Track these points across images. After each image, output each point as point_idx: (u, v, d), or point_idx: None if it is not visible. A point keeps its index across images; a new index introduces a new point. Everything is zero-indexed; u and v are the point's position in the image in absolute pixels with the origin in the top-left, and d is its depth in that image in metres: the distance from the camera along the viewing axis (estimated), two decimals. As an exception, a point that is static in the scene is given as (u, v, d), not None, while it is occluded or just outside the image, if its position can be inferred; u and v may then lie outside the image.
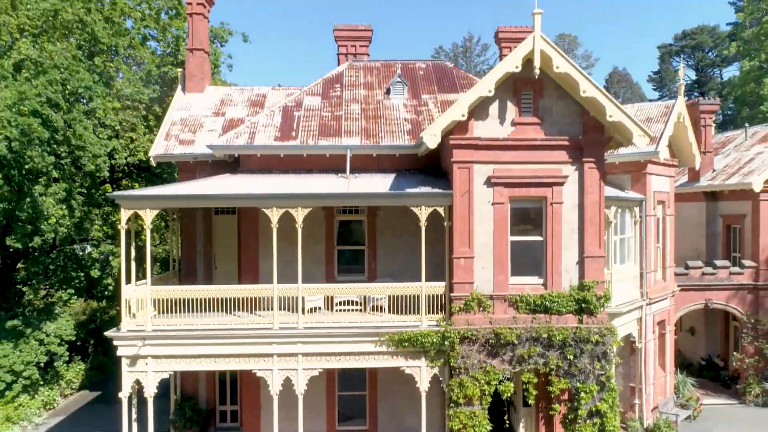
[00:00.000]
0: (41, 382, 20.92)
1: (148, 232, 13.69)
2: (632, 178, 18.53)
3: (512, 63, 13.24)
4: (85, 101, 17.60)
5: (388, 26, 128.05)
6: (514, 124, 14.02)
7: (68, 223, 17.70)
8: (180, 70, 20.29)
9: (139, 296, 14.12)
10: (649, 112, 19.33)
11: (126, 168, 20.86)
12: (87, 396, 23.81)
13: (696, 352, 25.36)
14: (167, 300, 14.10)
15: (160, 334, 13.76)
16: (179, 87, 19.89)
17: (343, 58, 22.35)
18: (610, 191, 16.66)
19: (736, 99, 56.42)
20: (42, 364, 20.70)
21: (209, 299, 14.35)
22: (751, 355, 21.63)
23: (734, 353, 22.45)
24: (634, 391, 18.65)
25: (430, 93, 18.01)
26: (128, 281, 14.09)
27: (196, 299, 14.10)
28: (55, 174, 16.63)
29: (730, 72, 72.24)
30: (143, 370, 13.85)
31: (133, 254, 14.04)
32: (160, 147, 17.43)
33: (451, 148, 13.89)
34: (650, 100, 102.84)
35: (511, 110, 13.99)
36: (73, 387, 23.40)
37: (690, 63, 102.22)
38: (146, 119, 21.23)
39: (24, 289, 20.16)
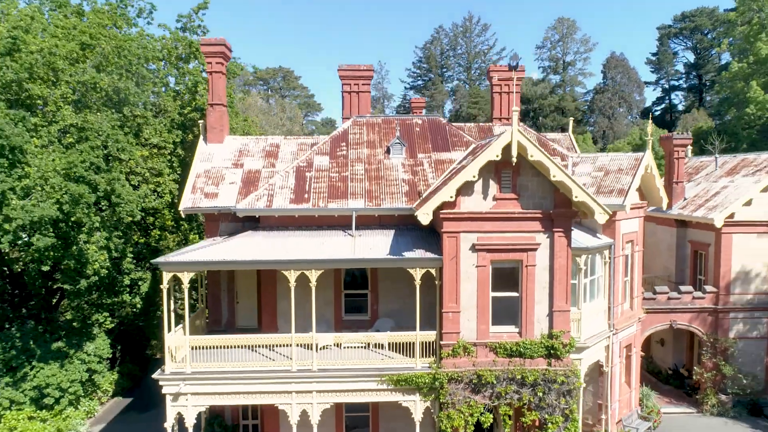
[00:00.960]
0: (82, 394, 23.79)
1: (186, 291, 16.30)
2: (604, 223, 20.99)
3: (493, 153, 15.64)
4: (121, 159, 19.98)
5: (387, 9, 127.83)
6: (495, 198, 16.48)
7: (108, 265, 20.28)
8: (201, 121, 22.58)
9: (178, 344, 16.80)
10: (621, 163, 21.68)
11: (153, 210, 23.29)
12: (120, 402, 26.77)
13: (665, 361, 28.24)
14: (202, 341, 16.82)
15: (198, 376, 16.49)
16: (201, 137, 22.22)
17: (347, 95, 24.73)
18: (582, 239, 19.20)
19: (724, 100, 58.26)
20: (84, 380, 23.55)
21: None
22: (710, 369, 24.44)
23: (695, 367, 25.27)
24: (601, 407, 21.49)
25: (425, 152, 20.37)
26: (169, 330, 16.75)
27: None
28: (97, 224, 19.15)
29: (727, 57, 73.31)
30: (184, 405, 16.64)
31: (171, 306, 16.67)
32: (188, 200, 19.88)
33: (441, 220, 16.38)
34: (647, 83, 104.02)
35: (493, 187, 16.43)
36: (108, 394, 26.37)
37: (689, 45, 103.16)
38: (170, 162, 23.58)
39: (66, 315, 22.83)
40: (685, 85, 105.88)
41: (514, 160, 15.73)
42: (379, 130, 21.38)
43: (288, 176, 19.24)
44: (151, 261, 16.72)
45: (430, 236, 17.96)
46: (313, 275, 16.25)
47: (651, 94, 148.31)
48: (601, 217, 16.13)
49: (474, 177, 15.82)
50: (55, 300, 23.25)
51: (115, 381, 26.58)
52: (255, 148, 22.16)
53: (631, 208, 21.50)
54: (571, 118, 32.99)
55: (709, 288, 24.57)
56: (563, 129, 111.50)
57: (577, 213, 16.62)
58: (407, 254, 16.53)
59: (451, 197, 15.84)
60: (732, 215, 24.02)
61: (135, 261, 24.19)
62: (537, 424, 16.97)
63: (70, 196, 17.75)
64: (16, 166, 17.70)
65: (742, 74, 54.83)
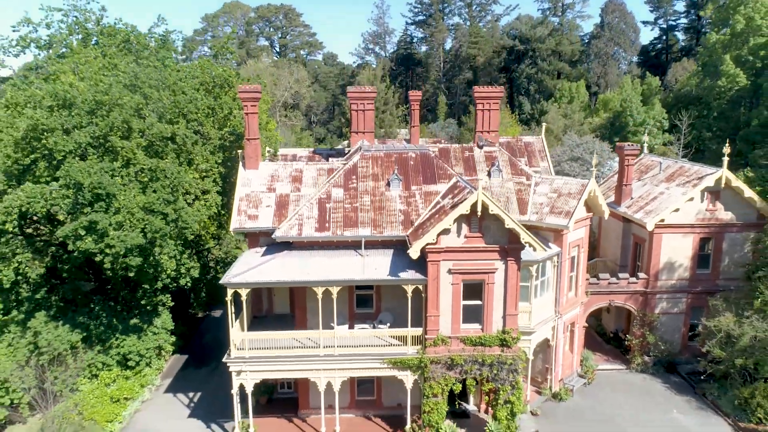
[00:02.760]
0: (154, 356, 30.98)
1: (244, 303, 22.90)
2: (554, 236, 27.19)
3: (464, 209, 21.70)
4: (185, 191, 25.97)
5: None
6: (465, 236, 22.69)
7: (174, 268, 26.77)
8: (240, 150, 28.33)
9: (240, 337, 23.61)
10: (570, 188, 27.60)
11: (207, 222, 29.41)
12: (179, 359, 34.18)
13: (610, 326, 35.34)
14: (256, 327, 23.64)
15: (254, 359, 23.40)
16: (240, 164, 28.07)
17: (355, 113, 30.44)
18: (532, 254, 25.48)
19: (703, 65, 62.25)
20: (155, 347, 30.68)
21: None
22: (638, 337, 31.47)
23: (628, 335, 32.32)
24: (548, 370, 28.71)
25: (417, 184, 26.30)
26: (232, 326, 23.47)
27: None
28: (170, 244, 25.43)
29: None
30: (245, 378, 23.67)
31: (233, 310, 23.30)
32: (235, 222, 26.07)
33: (426, 252, 22.66)
34: (645, 23, 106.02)
35: (464, 228, 22.58)
36: (169, 353, 33.66)
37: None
38: (215, 179, 29.49)
39: (141, 300, 29.53)
40: (683, 25, 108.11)
41: (479, 213, 21.82)
42: (381, 163, 27.19)
43: (312, 207, 25.32)
44: (221, 282, 23.11)
45: (420, 258, 24.29)
46: (334, 290, 22.79)
47: (649, 35, 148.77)
48: (539, 252, 22.44)
49: (450, 225, 21.98)
50: (129, 288, 29.90)
51: (173, 342, 33.79)
52: (283, 173, 28.06)
53: (577, 221, 27.65)
54: (544, 124, 38.41)
55: (641, 275, 31.17)
56: (560, 74, 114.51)
57: (524, 247, 22.86)
58: (402, 275, 22.98)
59: (434, 239, 22.08)
60: (662, 220, 30.20)
61: (189, 256, 30.62)
62: (493, 390, 24.05)
63: (151, 227, 23.96)
64: (110, 206, 23.76)
65: (720, 45, 58.75)
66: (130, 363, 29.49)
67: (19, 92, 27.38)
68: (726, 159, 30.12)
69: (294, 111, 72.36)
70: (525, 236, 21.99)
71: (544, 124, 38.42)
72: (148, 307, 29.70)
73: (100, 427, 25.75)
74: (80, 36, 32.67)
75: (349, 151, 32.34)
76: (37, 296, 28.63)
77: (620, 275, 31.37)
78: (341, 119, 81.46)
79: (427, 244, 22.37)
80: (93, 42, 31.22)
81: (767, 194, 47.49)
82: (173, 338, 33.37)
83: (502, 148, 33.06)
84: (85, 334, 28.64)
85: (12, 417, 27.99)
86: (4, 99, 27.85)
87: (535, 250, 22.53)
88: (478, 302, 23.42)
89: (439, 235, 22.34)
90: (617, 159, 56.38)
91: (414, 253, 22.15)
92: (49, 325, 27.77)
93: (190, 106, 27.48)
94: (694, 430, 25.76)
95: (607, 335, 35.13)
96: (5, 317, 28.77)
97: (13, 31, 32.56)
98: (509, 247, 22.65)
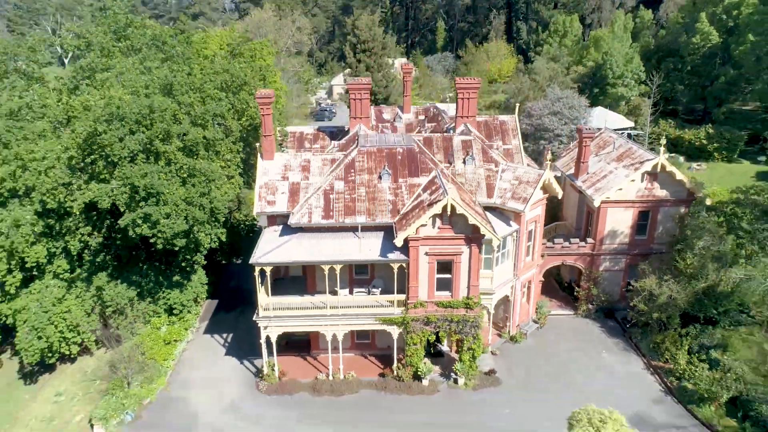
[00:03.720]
0: (193, 305, 38.40)
1: (267, 274, 29.81)
2: (515, 216, 33.63)
3: (437, 209, 28.05)
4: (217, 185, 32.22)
5: None
6: (439, 228, 29.19)
7: (209, 242, 33.46)
8: (258, 143, 34.15)
9: (265, 301, 30.77)
10: (529, 177, 33.65)
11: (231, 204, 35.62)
12: (211, 304, 41.73)
13: (566, 276, 42.54)
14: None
15: (278, 317, 30.68)
16: (259, 155, 34.00)
17: (354, 101, 36.06)
18: (498, 228, 31.98)
19: (678, 23, 65.64)
20: (193, 298, 38.02)
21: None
22: (585, 289, 38.71)
23: (577, 287, 39.55)
24: (507, 318, 36.17)
25: (404, 177, 32.37)
26: (258, 292, 30.53)
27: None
28: (207, 226, 31.97)
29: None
30: (270, 331, 31.07)
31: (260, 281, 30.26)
32: (257, 207, 32.44)
33: (409, 239, 29.25)
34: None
35: (437, 221, 29.03)
36: (203, 300, 41.11)
37: None
38: (238, 165, 35.48)
39: (182, 263, 36.42)
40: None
41: (449, 212, 28.19)
42: (374, 158, 33.11)
43: (319, 198, 31.61)
44: (250, 262, 29.85)
45: (403, 243, 30.90)
46: (338, 267, 29.63)
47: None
48: (495, 241, 29.04)
49: (426, 221, 28.44)
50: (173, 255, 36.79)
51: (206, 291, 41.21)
52: (294, 164, 34.07)
53: (534, 203, 33.95)
54: (518, 104, 43.58)
55: (589, 240, 37.91)
56: (556, 4, 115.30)
57: (485, 236, 29.38)
58: (390, 256, 29.72)
59: (415, 231, 28.61)
60: (608, 197, 36.48)
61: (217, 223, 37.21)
62: (459, 340, 31.53)
63: (192, 216, 30.41)
64: (159, 201, 30.07)
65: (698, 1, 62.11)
66: (174, 311, 36.94)
67: (74, 99, 32.78)
68: (663, 147, 35.92)
69: (298, 57, 76.02)
70: (484, 229, 28.50)
71: (517, 104, 43.58)
72: (186, 267, 36.69)
73: (159, 365, 33.58)
74: (113, 31, 37.38)
75: (348, 131, 38.20)
76: (98, 259, 35.53)
77: (572, 240, 38.13)
78: (341, 41, 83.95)
79: (407, 233, 28.94)
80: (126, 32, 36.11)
81: (723, 150, 53.94)
82: (206, 287, 40.79)
83: (480, 127, 38.91)
84: (138, 290, 35.85)
85: (82, 353, 35.87)
86: (61, 103, 33.30)
87: (492, 240, 29.12)
88: (448, 276, 30.32)
89: (417, 228, 28.84)
90: (594, 111, 61.51)
91: (399, 242, 28.77)
92: (111, 283, 34.91)
93: (217, 108, 32.98)
94: (615, 367, 33.57)
95: (563, 284, 42.45)
96: (72, 275, 35.84)
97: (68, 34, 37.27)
98: (472, 236, 29.20)
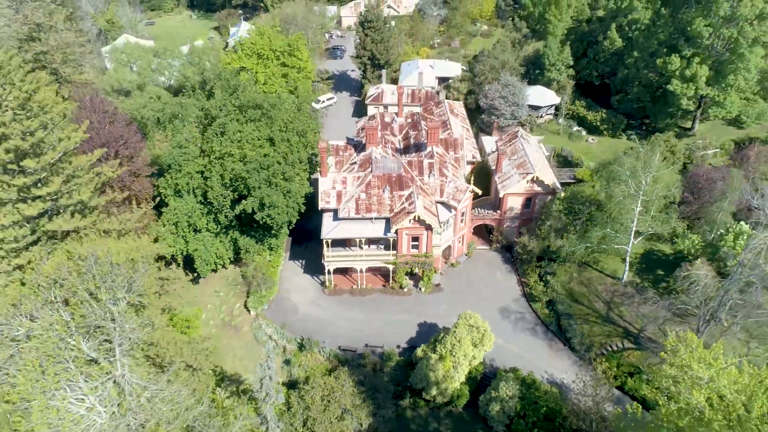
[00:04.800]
0: (282, 244, 70.24)
1: (328, 246, 61.51)
2: (454, 207, 64.27)
3: (411, 216, 58.97)
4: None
5: None
6: (411, 222, 60.22)
7: (284, 206, 64.40)
8: (318, 167, 63.72)
9: (327, 253, 62.80)
10: (462, 187, 63.79)
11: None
12: (288, 239, 73.67)
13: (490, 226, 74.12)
14: (335, 240, 63.00)
15: (333, 260, 62.98)
16: (319, 173, 63.77)
17: (367, 135, 65.51)
18: (442, 214, 62.89)
19: (599, 21, 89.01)
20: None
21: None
22: (495, 235, 70.52)
23: (491, 234, 71.26)
24: (450, 254, 68.42)
25: (396, 190, 62.34)
26: (324, 249, 62.36)
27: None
28: (292, 213, 62.64)
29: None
30: (330, 267, 63.56)
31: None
32: (320, 204, 63.02)
33: (397, 228, 60.40)
34: None
35: (412, 220, 60.00)
36: (285, 238, 72.91)
37: None
38: (305, 170, 65.07)
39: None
40: None
41: (418, 217, 59.14)
42: (380, 179, 62.90)
43: (352, 202, 62.07)
44: (321, 237, 61.11)
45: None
46: (363, 241, 61.28)
47: None
48: (438, 228, 60.37)
49: (405, 222, 59.47)
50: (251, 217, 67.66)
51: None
52: (338, 179, 63.96)
53: (463, 200, 64.46)
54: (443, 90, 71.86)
55: (498, 212, 68.87)
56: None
57: (436, 226, 60.41)
58: (387, 235, 61.17)
59: (399, 226, 59.77)
60: (508, 191, 66.72)
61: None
62: (422, 271, 64.08)
63: (289, 204, 61.18)
64: (273, 206, 60.54)
65: (610, 13, 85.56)
66: (273, 249, 68.88)
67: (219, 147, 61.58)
68: (552, 156, 65.52)
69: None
70: (434, 225, 59.63)
71: (444, 90, 71.76)
72: (274, 232, 67.97)
73: (272, 279, 66.26)
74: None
75: (365, 146, 67.13)
76: (232, 224, 66.45)
77: (489, 211, 69.14)
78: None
79: (396, 227, 60.10)
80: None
81: (609, 129, 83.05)
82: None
83: (441, 145, 68.10)
84: (255, 239, 67.37)
85: (222, 269, 68.59)
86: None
87: (437, 229, 60.33)
88: (416, 243, 61.95)
89: (401, 224, 59.89)
90: (533, 89, 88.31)
91: (392, 229, 60.05)
92: (243, 237, 66.35)
93: (298, 151, 62.04)
94: (501, 281, 66.41)
95: (486, 231, 74.10)
96: (218, 231, 67.06)
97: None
98: (428, 226, 60.31)
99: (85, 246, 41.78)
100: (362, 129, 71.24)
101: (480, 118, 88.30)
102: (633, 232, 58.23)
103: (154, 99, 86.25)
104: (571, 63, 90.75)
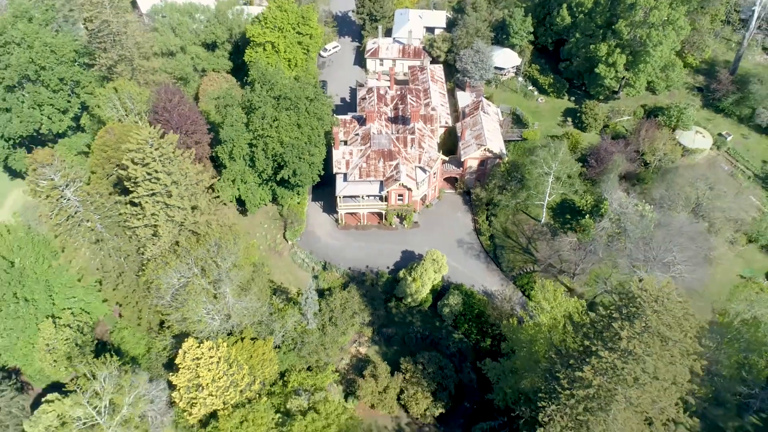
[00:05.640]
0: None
1: (340, 199, 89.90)
2: (428, 170, 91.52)
3: (398, 183, 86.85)
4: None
5: None
6: (398, 186, 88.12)
7: (309, 173, 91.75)
8: (332, 139, 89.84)
9: (339, 203, 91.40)
10: (434, 157, 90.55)
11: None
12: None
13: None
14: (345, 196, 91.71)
15: (343, 207, 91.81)
16: (333, 146, 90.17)
17: (367, 115, 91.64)
18: (419, 176, 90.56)
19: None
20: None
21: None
22: (459, 183, 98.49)
23: (456, 182, 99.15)
24: (425, 198, 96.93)
25: (387, 161, 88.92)
26: (337, 199, 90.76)
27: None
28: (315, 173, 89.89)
29: None
30: (341, 211, 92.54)
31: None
32: (334, 169, 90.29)
33: (387, 190, 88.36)
34: None
35: (397, 186, 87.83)
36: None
37: None
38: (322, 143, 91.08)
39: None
40: None
41: (402, 184, 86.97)
42: (376, 153, 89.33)
43: (357, 169, 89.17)
44: (336, 194, 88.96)
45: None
46: (366, 197, 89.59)
47: None
48: (415, 190, 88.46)
49: (394, 186, 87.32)
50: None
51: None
52: (346, 151, 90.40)
53: (436, 166, 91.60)
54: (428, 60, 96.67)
55: (461, 169, 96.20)
56: None
57: (416, 189, 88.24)
58: (381, 193, 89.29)
59: (388, 189, 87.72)
60: (468, 156, 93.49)
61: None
62: (404, 214, 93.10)
63: (313, 170, 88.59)
64: (302, 159, 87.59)
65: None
66: (299, 194, 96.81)
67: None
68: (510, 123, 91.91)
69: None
70: (413, 187, 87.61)
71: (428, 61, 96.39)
72: (297, 186, 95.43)
73: (300, 217, 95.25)
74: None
75: (365, 120, 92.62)
76: (270, 179, 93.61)
77: (454, 167, 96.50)
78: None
79: (387, 189, 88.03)
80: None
81: (555, 92, 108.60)
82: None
83: (421, 120, 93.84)
84: (287, 189, 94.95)
85: (262, 207, 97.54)
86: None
87: (415, 190, 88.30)
88: (401, 198, 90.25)
89: (390, 188, 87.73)
90: (500, 51, 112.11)
91: (384, 190, 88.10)
92: (279, 187, 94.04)
93: (315, 127, 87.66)
94: (460, 219, 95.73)
95: (453, 180, 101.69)
96: (261, 183, 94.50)
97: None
98: (409, 188, 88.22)
99: (210, 236, 70.47)
100: (363, 99, 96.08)
101: (456, 76, 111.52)
102: (548, 194, 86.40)
103: (194, 58, 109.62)
104: (532, 30, 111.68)
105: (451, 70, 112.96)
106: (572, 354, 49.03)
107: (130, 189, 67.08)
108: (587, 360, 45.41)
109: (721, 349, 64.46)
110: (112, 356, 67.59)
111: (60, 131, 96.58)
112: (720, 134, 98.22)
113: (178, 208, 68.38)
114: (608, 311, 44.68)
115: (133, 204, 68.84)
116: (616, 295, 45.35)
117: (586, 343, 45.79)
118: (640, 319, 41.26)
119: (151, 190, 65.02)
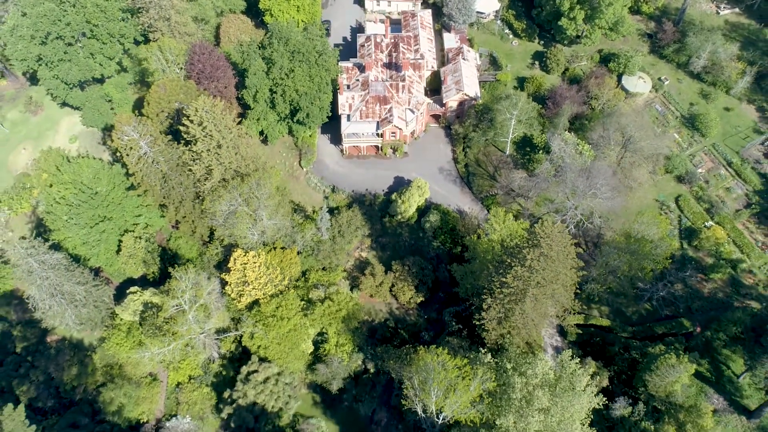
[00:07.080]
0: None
1: (345, 136, 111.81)
2: (417, 111, 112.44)
3: (391, 125, 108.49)
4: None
5: None
6: (392, 126, 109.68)
7: (320, 115, 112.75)
8: (338, 86, 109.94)
9: (344, 139, 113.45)
10: (422, 101, 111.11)
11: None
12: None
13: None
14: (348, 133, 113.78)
15: (347, 141, 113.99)
16: (338, 92, 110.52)
17: (367, 65, 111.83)
18: (410, 116, 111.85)
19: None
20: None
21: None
22: (442, 118, 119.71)
23: (440, 117, 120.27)
24: (413, 133, 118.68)
25: (383, 105, 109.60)
26: (342, 135, 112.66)
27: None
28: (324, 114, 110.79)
29: None
30: (345, 144, 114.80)
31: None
32: (340, 110, 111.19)
33: (382, 130, 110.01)
34: None
35: (391, 126, 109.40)
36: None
37: None
38: (327, 86, 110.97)
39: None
40: None
41: (395, 125, 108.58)
42: (374, 98, 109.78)
43: (358, 111, 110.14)
44: (341, 132, 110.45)
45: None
46: (366, 134, 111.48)
47: None
48: (405, 127, 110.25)
49: (389, 126, 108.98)
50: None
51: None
52: (349, 96, 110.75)
53: (423, 108, 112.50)
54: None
55: (443, 108, 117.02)
56: None
57: (406, 129, 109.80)
58: (377, 132, 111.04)
59: (383, 129, 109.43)
60: (449, 99, 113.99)
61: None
62: (396, 146, 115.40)
63: (322, 112, 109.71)
64: (313, 103, 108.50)
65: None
66: (311, 128, 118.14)
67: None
68: (463, 86, 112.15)
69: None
70: (404, 128, 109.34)
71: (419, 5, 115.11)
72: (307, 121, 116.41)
73: (313, 148, 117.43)
74: None
75: (364, 68, 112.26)
76: (288, 117, 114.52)
77: (438, 106, 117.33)
78: None
79: (382, 129, 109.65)
80: None
81: (527, 36, 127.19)
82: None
83: (412, 68, 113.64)
84: (301, 124, 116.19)
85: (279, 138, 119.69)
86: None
87: (405, 129, 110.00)
88: (395, 135, 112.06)
89: (384, 128, 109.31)
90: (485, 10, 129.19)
91: (380, 130, 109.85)
92: (294, 124, 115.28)
93: (322, 75, 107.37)
94: (442, 149, 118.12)
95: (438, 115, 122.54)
96: (278, 119, 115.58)
97: None
98: (399, 127, 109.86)
99: (252, 177, 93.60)
100: (362, 46, 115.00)
101: (443, 19, 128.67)
102: (511, 132, 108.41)
103: (214, 0, 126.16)
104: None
105: (439, 13, 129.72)
106: (503, 265, 74.44)
107: (189, 140, 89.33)
108: (509, 271, 70.73)
109: (621, 257, 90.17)
110: (192, 265, 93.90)
111: (109, 75, 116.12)
112: (660, 79, 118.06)
113: (226, 154, 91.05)
114: (522, 241, 69.47)
115: (190, 151, 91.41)
116: (526, 231, 69.79)
117: (508, 260, 70.87)
118: (538, 247, 65.84)
119: (207, 143, 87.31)
